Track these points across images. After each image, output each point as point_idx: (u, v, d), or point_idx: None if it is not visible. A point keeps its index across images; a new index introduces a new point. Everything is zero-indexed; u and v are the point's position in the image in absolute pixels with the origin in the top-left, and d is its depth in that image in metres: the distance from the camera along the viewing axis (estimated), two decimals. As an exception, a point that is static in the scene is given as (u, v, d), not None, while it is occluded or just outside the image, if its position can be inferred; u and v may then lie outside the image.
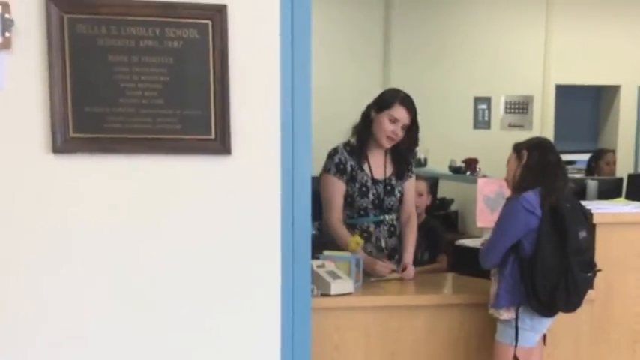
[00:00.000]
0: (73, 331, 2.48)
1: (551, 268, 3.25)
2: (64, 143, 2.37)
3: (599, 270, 3.47)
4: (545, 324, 3.42)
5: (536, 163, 3.42)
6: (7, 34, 2.30)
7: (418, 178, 4.95)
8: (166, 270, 2.51)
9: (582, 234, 3.32)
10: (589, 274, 3.36)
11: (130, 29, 2.39)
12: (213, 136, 2.46)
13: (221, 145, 2.47)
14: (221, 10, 2.43)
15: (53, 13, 2.32)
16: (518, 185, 3.44)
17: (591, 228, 3.74)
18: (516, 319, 3.32)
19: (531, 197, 3.31)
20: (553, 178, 3.37)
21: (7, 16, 2.29)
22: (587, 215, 3.60)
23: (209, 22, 2.43)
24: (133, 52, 2.39)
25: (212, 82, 2.45)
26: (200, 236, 2.52)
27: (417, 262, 4.44)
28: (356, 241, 3.74)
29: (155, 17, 2.40)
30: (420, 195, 4.90)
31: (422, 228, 4.64)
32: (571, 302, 3.32)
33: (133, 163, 2.44)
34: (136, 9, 2.38)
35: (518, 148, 3.51)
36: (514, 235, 3.32)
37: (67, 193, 2.42)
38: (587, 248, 3.39)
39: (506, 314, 3.35)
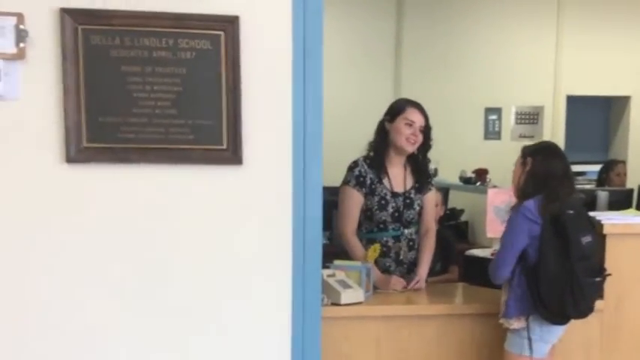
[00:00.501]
0: (86, 334, 2.50)
1: (555, 276, 3.23)
2: (77, 153, 2.40)
3: (609, 274, 3.45)
4: (556, 334, 3.40)
5: (539, 170, 3.40)
6: (21, 45, 2.34)
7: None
8: (178, 278, 2.53)
9: (587, 239, 3.29)
10: (597, 279, 3.34)
11: (144, 40, 2.42)
12: (225, 146, 2.48)
13: (233, 154, 2.49)
14: (233, 21, 2.46)
15: (67, 24, 2.36)
16: (522, 192, 3.44)
17: (601, 238, 3.75)
18: (527, 329, 3.32)
19: (532, 205, 3.31)
20: (556, 186, 3.34)
21: (21, 27, 2.33)
22: (594, 221, 3.55)
23: (221, 32, 2.46)
24: (146, 62, 2.42)
25: (224, 92, 2.47)
26: (212, 245, 2.54)
27: (429, 273, 4.45)
28: (374, 248, 3.76)
29: (168, 28, 2.43)
30: (436, 205, 4.89)
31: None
32: (580, 308, 3.30)
33: (146, 172, 2.46)
34: (149, 20, 2.41)
35: (524, 152, 3.50)
36: (520, 246, 3.31)
37: (81, 203, 2.45)
38: (593, 254, 3.35)
39: (517, 324, 3.35)
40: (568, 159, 3.51)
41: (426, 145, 3.99)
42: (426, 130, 3.94)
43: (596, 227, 3.49)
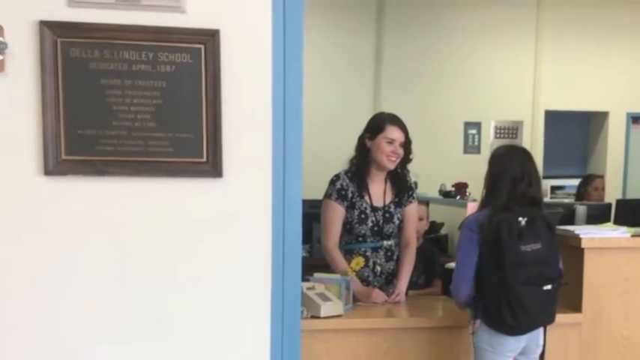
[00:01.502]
0: (61, 347, 2.49)
1: (491, 283, 3.24)
2: (56, 165, 2.39)
3: (564, 284, 3.42)
4: (509, 346, 3.32)
5: (492, 178, 3.42)
6: (0, 57, 2.32)
7: (419, 202, 4.98)
8: (157, 292, 2.52)
9: (532, 247, 3.26)
10: (544, 288, 3.28)
11: (123, 53, 2.42)
12: (204, 159, 2.49)
13: (212, 167, 2.49)
14: (214, 34, 2.46)
15: (47, 36, 2.36)
16: (481, 204, 3.47)
17: (579, 252, 3.78)
18: (476, 338, 3.34)
19: (474, 218, 3.35)
20: (504, 194, 3.32)
21: (0, 39, 2.32)
22: (552, 229, 3.44)
23: (202, 46, 2.46)
24: (125, 75, 2.42)
25: (204, 105, 2.48)
26: (191, 257, 2.54)
27: (412, 286, 4.45)
28: (357, 262, 3.78)
29: (148, 42, 2.43)
30: (421, 219, 4.91)
31: (419, 252, 4.66)
32: (519, 318, 3.23)
33: (125, 185, 2.46)
34: (129, 33, 2.42)
35: (489, 158, 3.52)
36: (472, 260, 3.30)
37: (59, 215, 2.43)
38: (537, 261, 3.27)
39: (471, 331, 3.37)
40: (534, 162, 3.47)
41: (406, 159, 4.02)
42: (406, 144, 3.96)
43: (555, 235, 3.44)
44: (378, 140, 3.91)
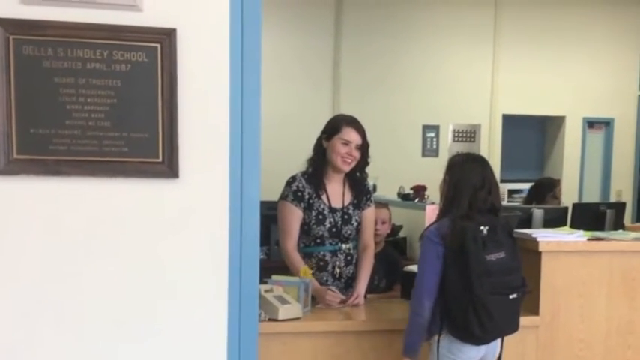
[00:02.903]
0: (16, 350, 2.43)
1: (457, 293, 3.21)
2: (7, 165, 2.34)
3: (528, 292, 3.43)
4: (469, 354, 3.31)
5: (452, 187, 3.39)
6: (-50, 55, 2.28)
7: (383, 206, 4.98)
8: (111, 293, 2.48)
9: (496, 256, 3.25)
10: (510, 297, 3.27)
11: (77, 51, 2.38)
12: (160, 159, 2.45)
13: (168, 168, 2.46)
14: (170, 33, 2.43)
15: (-1, 33, 2.30)
16: (440, 213, 3.45)
17: (536, 255, 3.80)
18: (437, 344, 3.31)
19: (434, 229, 3.31)
20: (465, 203, 3.31)
21: (-49, 36, 2.27)
22: (513, 236, 3.46)
23: (158, 45, 2.42)
24: (79, 74, 2.38)
25: (160, 105, 2.44)
26: (146, 259, 2.50)
27: (373, 290, 4.45)
28: (303, 271, 3.75)
29: (103, 40, 2.39)
30: (384, 223, 4.90)
31: (380, 255, 4.65)
32: (486, 327, 3.21)
33: (79, 185, 2.41)
34: (83, 31, 2.37)
35: (447, 167, 3.48)
36: (436, 272, 3.27)
37: (10, 216, 2.38)
38: (502, 271, 3.26)
39: (431, 339, 3.35)
40: (492, 170, 3.46)
41: (363, 162, 4.01)
42: (364, 148, 3.96)
43: (516, 243, 3.44)
44: (333, 141, 3.90)
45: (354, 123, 3.95)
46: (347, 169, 3.96)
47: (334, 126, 3.95)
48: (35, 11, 2.35)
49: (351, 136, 3.90)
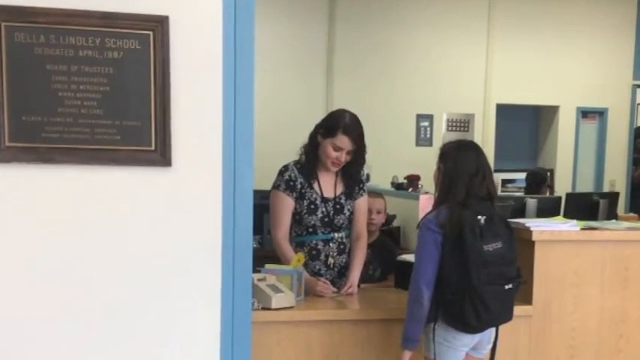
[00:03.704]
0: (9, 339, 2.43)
1: (454, 282, 3.21)
2: (-1, 152, 2.33)
3: (523, 282, 3.43)
4: (464, 341, 3.31)
5: (447, 175, 3.37)
6: (-59, 41, 2.26)
7: (377, 196, 4.96)
8: (104, 281, 2.48)
9: (494, 246, 3.25)
10: (506, 287, 3.27)
11: (70, 38, 2.37)
12: (153, 147, 2.44)
13: (161, 156, 2.45)
14: (163, 21, 2.42)
15: (-10, 20, 2.29)
16: (436, 200, 3.44)
17: (530, 244, 3.80)
18: (433, 332, 3.31)
19: (432, 217, 3.30)
20: (462, 190, 3.30)
21: (-58, 23, 2.25)
22: (510, 227, 3.45)
23: (150, 32, 2.42)
24: (72, 61, 2.37)
25: (152, 93, 2.43)
26: (139, 247, 2.50)
27: (367, 280, 4.45)
28: (297, 258, 3.73)
29: (95, 27, 2.38)
30: (379, 212, 4.89)
31: (375, 245, 4.65)
32: (482, 318, 3.22)
33: (71, 173, 2.41)
34: (75, 18, 2.36)
35: (439, 156, 3.47)
36: (434, 261, 3.26)
37: (3, 204, 2.37)
38: (499, 261, 3.26)
39: (426, 327, 3.35)
40: (485, 155, 3.45)
41: (359, 164, 3.99)
42: (358, 151, 3.93)
43: (513, 233, 3.44)
44: (326, 142, 3.87)
45: (350, 130, 3.87)
46: (334, 170, 3.95)
47: (332, 126, 3.88)
48: (27, -2, 2.33)
49: (344, 143, 3.85)
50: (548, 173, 8.53)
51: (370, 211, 4.58)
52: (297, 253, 3.83)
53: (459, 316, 3.23)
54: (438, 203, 3.41)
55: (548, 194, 7.40)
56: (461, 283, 3.20)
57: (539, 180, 7.55)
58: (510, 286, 3.30)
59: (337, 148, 3.86)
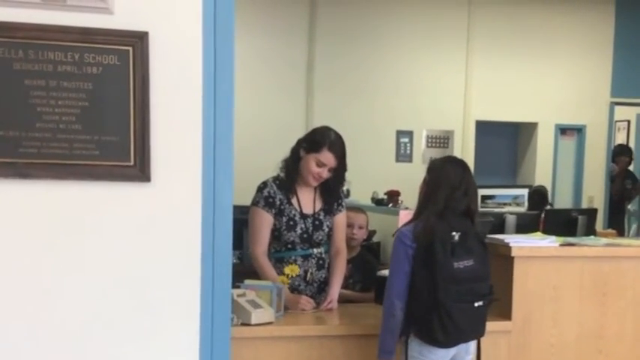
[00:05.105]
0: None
1: (424, 297, 3.23)
2: (-25, 167, 2.31)
3: (495, 300, 3.44)
4: (438, 355, 3.31)
5: (430, 185, 3.41)
6: None
7: (360, 211, 4.96)
8: (82, 297, 2.46)
9: (464, 263, 3.27)
10: (475, 304, 3.29)
11: (48, 54, 2.36)
12: (132, 163, 2.44)
13: (140, 171, 2.44)
14: (142, 37, 2.42)
15: (-32, 35, 2.28)
16: (415, 213, 3.46)
17: (509, 260, 3.81)
18: (406, 346, 3.32)
19: (407, 230, 3.32)
20: (441, 201, 3.32)
21: None
22: (484, 244, 3.48)
23: (130, 48, 2.41)
24: (50, 76, 2.36)
25: (132, 108, 2.43)
26: (118, 263, 2.48)
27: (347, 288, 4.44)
28: (291, 268, 3.78)
29: (74, 42, 2.38)
30: (360, 228, 4.88)
31: (356, 260, 4.65)
32: (450, 334, 3.24)
33: (50, 188, 2.39)
34: (54, 34, 2.36)
35: (427, 168, 3.51)
36: (406, 273, 3.29)
37: (-22, 219, 2.36)
38: (469, 278, 3.28)
39: (400, 341, 3.36)
40: (471, 174, 3.47)
41: (338, 181, 4.00)
42: (341, 168, 3.94)
43: (487, 250, 3.46)
44: (309, 157, 3.88)
45: (334, 147, 3.88)
46: (314, 184, 3.96)
47: (317, 142, 3.90)
48: (5, 13, 2.32)
49: (328, 159, 3.87)
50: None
51: (352, 227, 4.59)
52: (290, 265, 3.87)
53: (426, 330, 3.26)
54: (417, 214, 3.43)
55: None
56: (429, 297, 3.22)
57: (542, 197, 7.63)
58: (481, 303, 3.32)
59: (320, 164, 3.87)
